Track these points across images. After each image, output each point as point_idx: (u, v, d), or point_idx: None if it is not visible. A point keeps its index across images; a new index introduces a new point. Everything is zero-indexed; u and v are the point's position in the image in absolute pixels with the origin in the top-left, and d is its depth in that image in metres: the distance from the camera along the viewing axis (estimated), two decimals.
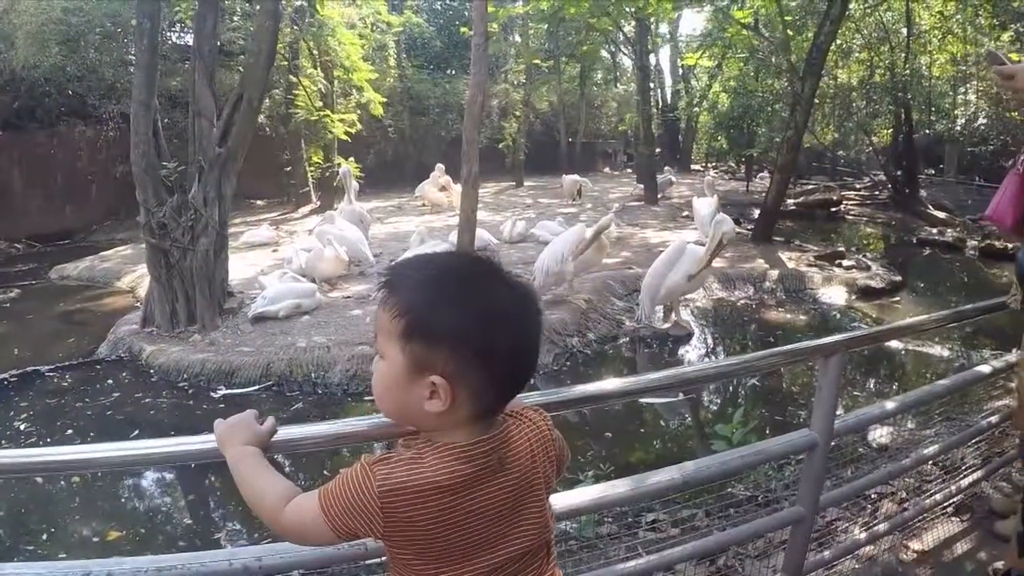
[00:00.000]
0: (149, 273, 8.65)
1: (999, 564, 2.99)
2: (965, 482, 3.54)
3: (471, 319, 1.16)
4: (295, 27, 16.22)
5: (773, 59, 17.44)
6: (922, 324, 3.09)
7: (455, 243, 10.13)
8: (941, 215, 17.97)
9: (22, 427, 6.53)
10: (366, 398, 6.87)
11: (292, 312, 8.76)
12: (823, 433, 2.40)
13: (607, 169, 33.38)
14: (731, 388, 7.66)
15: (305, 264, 10.22)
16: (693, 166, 32.47)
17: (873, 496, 3.69)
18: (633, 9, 16.37)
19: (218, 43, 9.69)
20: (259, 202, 20.58)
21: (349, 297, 9.77)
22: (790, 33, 14.91)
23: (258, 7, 10.46)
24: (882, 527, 3.07)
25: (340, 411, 7.04)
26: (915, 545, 3.23)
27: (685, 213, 16.89)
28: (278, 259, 11.79)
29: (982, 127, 20.56)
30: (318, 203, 18.92)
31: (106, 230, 17.55)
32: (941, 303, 10.36)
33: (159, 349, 7.99)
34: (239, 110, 8.41)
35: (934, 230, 16.43)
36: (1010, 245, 13.97)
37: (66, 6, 16.86)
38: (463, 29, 23.21)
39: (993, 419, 3.52)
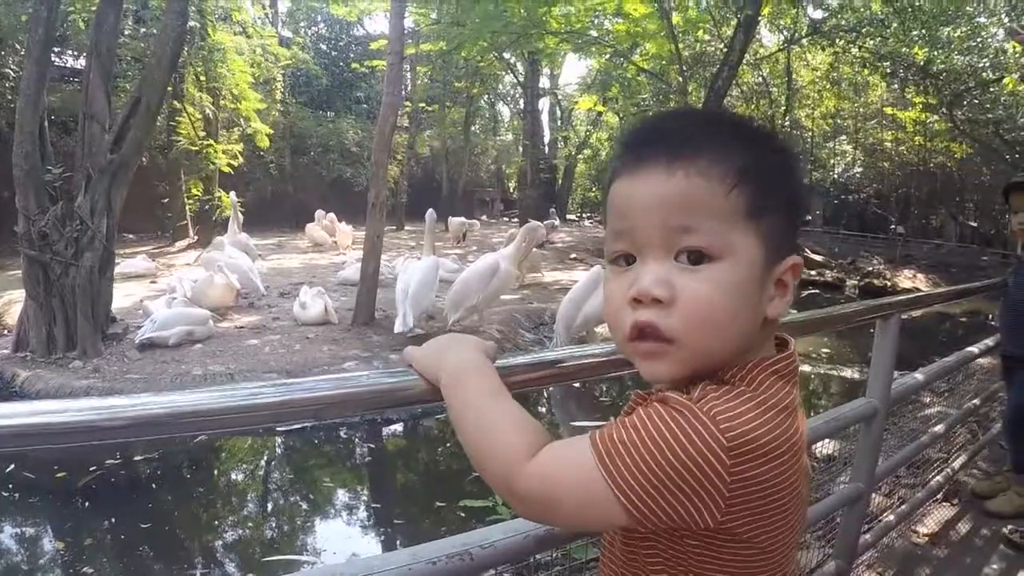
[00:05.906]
0: (25, 290, 7.75)
1: (1006, 529, 3.14)
2: (950, 469, 3.57)
3: (794, 170, 0.81)
4: (184, 50, 15.33)
5: (663, 107, 18.03)
6: (955, 292, 3.24)
7: (350, 276, 10.26)
8: (819, 258, 19.06)
9: None
10: (279, 428, 6.39)
11: (183, 339, 8.09)
12: (882, 400, 2.25)
13: (484, 217, 33.47)
14: None
15: (192, 293, 9.53)
16: (569, 216, 33.03)
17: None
18: (530, 51, 16.62)
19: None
20: (131, 236, 19.22)
21: (242, 327, 9.14)
22: (680, 80, 15.50)
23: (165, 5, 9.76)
24: (892, 516, 2.99)
25: (258, 445, 6.64)
26: (922, 529, 3.24)
27: (572, 255, 17.41)
28: (158, 290, 11.02)
29: (857, 175, 21.97)
30: (195, 238, 17.93)
31: None
32: (841, 334, 10.69)
33: (36, 375, 7.17)
34: (136, 114, 7.74)
35: (813, 272, 17.38)
36: (888, 284, 15.08)
37: None
38: (354, 65, 22.89)
39: (976, 401, 3.57)
